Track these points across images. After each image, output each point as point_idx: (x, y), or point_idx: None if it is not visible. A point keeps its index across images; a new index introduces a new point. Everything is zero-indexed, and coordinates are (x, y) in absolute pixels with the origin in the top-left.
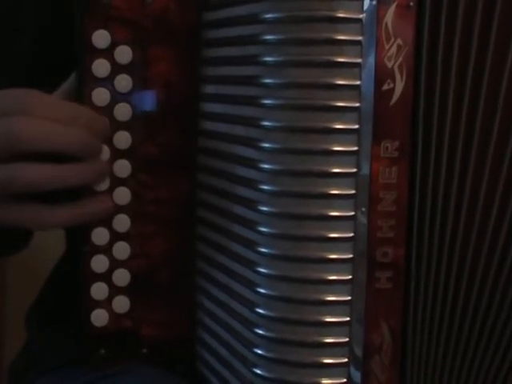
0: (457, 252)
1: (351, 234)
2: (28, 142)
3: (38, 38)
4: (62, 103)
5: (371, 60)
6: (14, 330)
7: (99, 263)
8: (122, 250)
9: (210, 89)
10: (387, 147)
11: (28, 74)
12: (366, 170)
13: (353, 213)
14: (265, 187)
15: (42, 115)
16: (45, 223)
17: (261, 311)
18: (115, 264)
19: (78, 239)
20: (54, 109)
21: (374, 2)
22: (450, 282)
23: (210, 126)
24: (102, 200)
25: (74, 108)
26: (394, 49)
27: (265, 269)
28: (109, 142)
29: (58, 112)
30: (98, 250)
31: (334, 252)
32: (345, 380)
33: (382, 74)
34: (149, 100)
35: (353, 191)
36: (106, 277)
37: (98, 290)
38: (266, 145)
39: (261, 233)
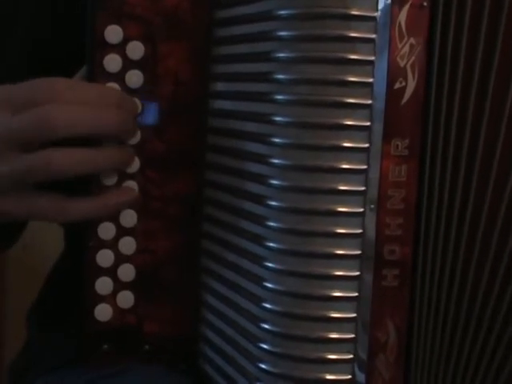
0: (462, 251)
1: (359, 231)
2: (65, 128)
3: (38, 36)
4: (89, 85)
5: (384, 58)
6: (14, 330)
7: (104, 258)
8: (127, 245)
9: (220, 86)
10: (397, 145)
11: (30, 70)
12: (375, 168)
13: (361, 209)
14: (275, 182)
15: (72, 100)
16: (69, 215)
17: (268, 306)
18: (120, 259)
19: (83, 233)
20: (82, 92)
21: (389, 1)
22: (455, 280)
23: (219, 123)
24: (124, 192)
25: (102, 88)
26: (406, 48)
27: (273, 264)
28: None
29: (87, 94)
30: (103, 244)
31: (341, 248)
32: (349, 376)
33: (394, 73)
34: (159, 96)
35: (362, 188)
36: (111, 271)
37: (103, 285)
38: (277, 140)
39: (269, 228)
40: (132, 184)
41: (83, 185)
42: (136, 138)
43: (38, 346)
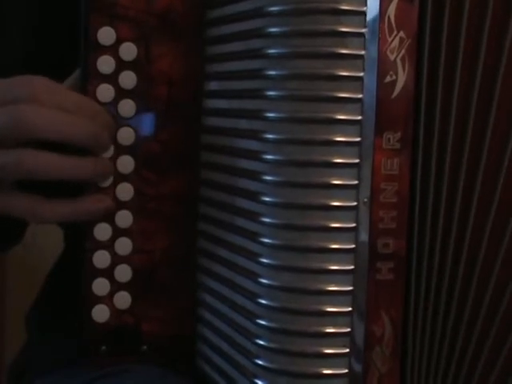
0: (467, 243)
1: (353, 225)
2: (36, 129)
3: (32, 37)
4: (68, 92)
5: (374, 52)
6: (14, 330)
7: (101, 259)
8: (124, 245)
9: (213, 85)
10: (389, 139)
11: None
12: (368, 161)
13: (355, 203)
14: (268, 178)
15: (48, 103)
16: (43, 216)
17: (263, 302)
18: (117, 260)
19: (80, 235)
20: (61, 97)
21: None
22: (458, 272)
23: (213, 121)
24: (101, 199)
25: (80, 98)
26: (396, 41)
27: (267, 259)
28: (113, 138)
29: (64, 100)
30: (100, 245)
31: (335, 242)
32: (346, 370)
33: (384, 66)
34: (152, 97)
35: (355, 182)
36: (108, 272)
37: (100, 286)
38: (270, 136)
39: (264, 223)
40: (127, 185)
41: (79, 186)
42: (109, 153)
43: (38, 346)
